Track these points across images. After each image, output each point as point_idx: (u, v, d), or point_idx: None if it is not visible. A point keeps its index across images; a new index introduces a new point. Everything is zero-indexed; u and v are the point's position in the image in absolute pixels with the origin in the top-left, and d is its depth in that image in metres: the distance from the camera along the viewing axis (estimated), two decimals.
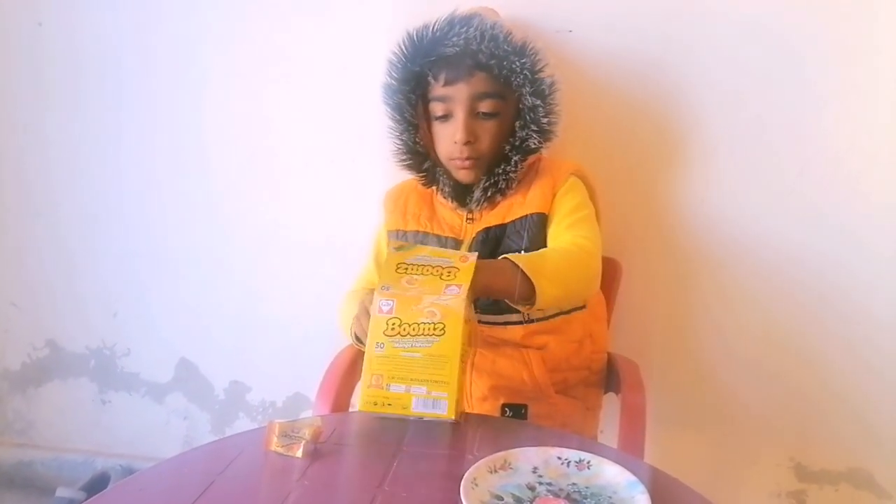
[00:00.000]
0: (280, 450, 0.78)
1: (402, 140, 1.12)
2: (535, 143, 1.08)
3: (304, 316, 1.52)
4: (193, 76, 1.47)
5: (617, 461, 0.74)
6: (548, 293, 0.92)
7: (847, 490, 1.42)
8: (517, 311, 1.03)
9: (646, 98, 1.32)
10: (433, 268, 0.86)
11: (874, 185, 1.29)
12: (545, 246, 1.06)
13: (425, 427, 0.85)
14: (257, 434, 0.85)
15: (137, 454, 1.66)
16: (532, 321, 1.06)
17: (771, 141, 1.30)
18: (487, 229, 1.09)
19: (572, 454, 0.76)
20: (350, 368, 1.10)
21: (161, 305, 1.60)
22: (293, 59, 1.42)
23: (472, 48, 1.04)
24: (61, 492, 1.52)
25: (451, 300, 0.82)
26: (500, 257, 0.95)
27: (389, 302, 0.83)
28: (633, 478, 0.71)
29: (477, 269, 0.86)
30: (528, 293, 0.91)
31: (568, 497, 0.69)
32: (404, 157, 1.13)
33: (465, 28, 1.04)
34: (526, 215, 1.08)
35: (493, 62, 1.04)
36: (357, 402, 0.85)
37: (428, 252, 0.88)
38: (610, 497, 0.69)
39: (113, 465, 1.68)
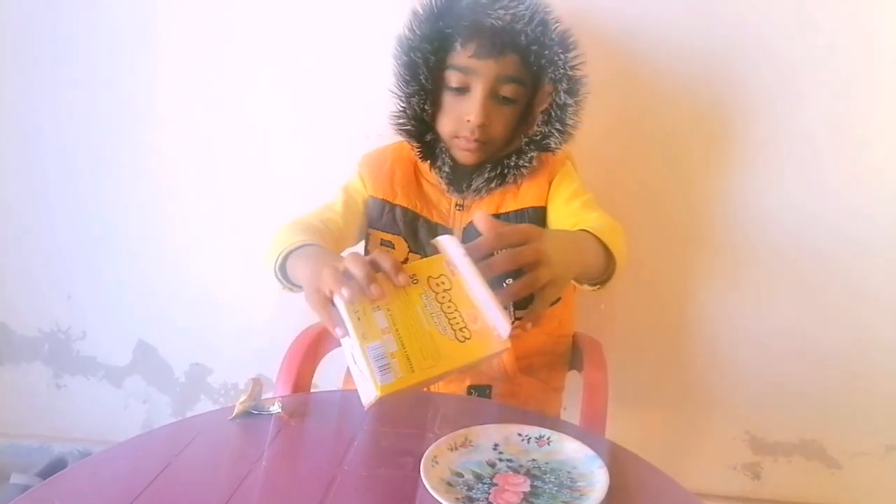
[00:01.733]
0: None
1: (408, 104, 1.00)
2: (554, 143, 0.99)
3: (265, 296, 1.49)
4: (145, 49, 1.41)
5: (577, 437, 0.75)
6: (621, 269, 0.85)
7: (800, 461, 1.47)
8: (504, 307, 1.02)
9: (681, 91, 1.31)
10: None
11: None
12: None
13: (386, 406, 0.84)
14: (215, 416, 0.83)
15: (96, 439, 1.62)
16: (518, 318, 1.05)
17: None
18: None
19: (532, 431, 0.76)
20: (311, 349, 1.09)
21: (117, 287, 1.56)
22: (256, 35, 1.38)
23: (516, 26, 0.95)
24: (16, 478, 1.48)
25: (499, 336, 0.65)
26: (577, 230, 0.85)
27: (460, 265, 0.67)
28: (591, 453, 0.72)
29: (554, 242, 0.73)
30: (605, 270, 0.84)
31: (528, 473, 0.70)
32: (405, 122, 1.01)
33: (515, 2, 0.95)
34: (522, 209, 1.02)
35: (534, 48, 0.96)
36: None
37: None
38: (569, 472, 0.70)
39: (70, 451, 1.64)
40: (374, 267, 0.67)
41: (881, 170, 1.32)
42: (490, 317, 0.65)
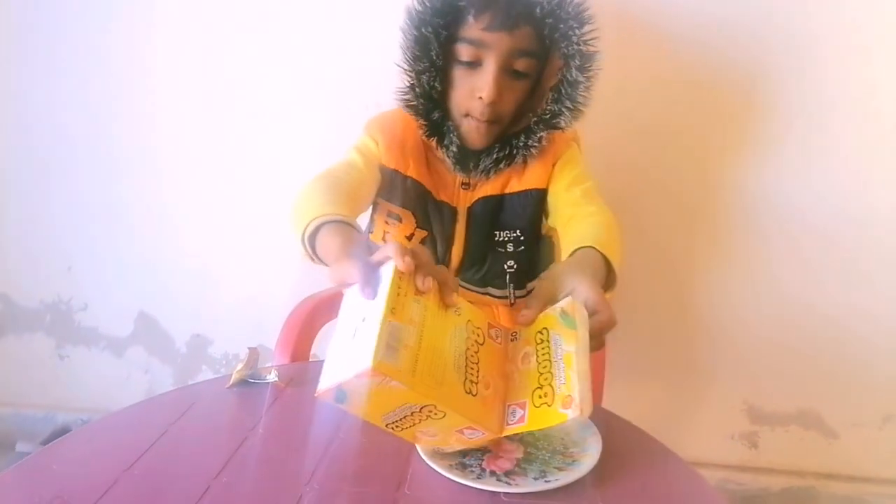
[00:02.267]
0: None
1: (417, 80, 0.95)
2: (564, 122, 0.95)
3: (265, 267, 1.50)
4: (145, 22, 1.39)
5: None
6: (618, 276, 0.83)
7: (797, 430, 1.48)
8: (503, 288, 1.02)
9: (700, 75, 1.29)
10: (549, 367, 0.63)
11: None
12: (541, 222, 1.02)
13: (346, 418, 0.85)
14: (212, 384, 0.84)
15: (99, 408, 1.64)
16: (519, 298, 1.04)
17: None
18: (486, 199, 1.00)
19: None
20: (309, 318, 1.09)
21: (117, 259, 1.56)
22: (253, 6, 1.36)
23: None
24: (21, 446, 1.51)
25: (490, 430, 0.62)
26: (578, 247, 0.83)
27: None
28: (585, 420, 0.72)
29: (583, 269, 0.74)
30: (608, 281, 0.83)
31: (521, 440, 0.70)
32: (412, 98, 0.96)
33: None
34: (526, 190, 1.00)
35: (549, 20, 0.91)
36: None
37: (566, 354, 0.63)
38: (562, 439, 0.71)
39: (74, 420, 1.66)
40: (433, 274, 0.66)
41: (883, 150, 1.30)
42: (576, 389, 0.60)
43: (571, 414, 0.58)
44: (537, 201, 1.00)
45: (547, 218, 1.04)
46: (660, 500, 0.63)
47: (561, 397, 0.60)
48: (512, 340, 0.70)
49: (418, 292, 0.63)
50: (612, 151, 1.31)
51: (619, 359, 1.29)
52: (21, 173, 1.54)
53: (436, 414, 0.60)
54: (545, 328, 0.66)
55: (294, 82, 1.38)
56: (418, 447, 0.67)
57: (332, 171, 0.96)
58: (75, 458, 0.68)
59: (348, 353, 0.59)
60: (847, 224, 1.35)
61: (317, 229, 0.78)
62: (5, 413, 1.69)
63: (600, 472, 0.65)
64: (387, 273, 0.62)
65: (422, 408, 0.59)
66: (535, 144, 0.96)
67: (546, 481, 0.62)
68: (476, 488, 0.62)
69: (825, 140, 1.31)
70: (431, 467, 0.64)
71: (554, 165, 1.01)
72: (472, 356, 0.65)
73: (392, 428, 0.62)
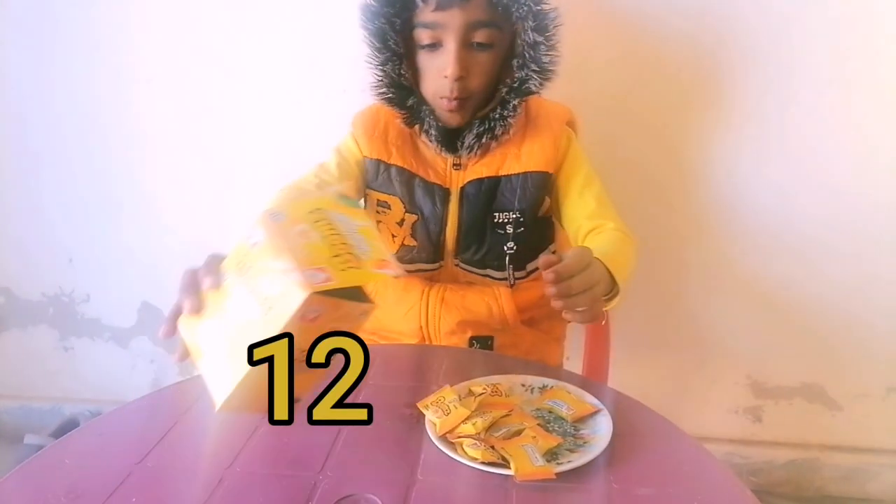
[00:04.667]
0: None
1: (384, 72, 0.97)
2: (535, 86, 0.95)
3: None
4: (137, 12, 1.38)
5: (580, 386, 0.75)
6: (621, 292, 0.85)
7: (801, 404, 1.49)
8: (502, 270, 1.02)
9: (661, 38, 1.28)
10: (340, 238, 0.60)
11: None
12: (541, 205, 1.02)
13: (390, 358, 0.85)
14: None
15: (106, 399, 1.65)
16: (519, 279, 1.04)
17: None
18: (480, 181, 1.00)
19: (536, 381, 0.77)
20: None
21: (118, 250, 1.56)
22: None
23: None
24: (29, 439, 1.51)
25: (295, 286, 0.55)
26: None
27: (260, 235, 0.61)
28: (595, 401, 0.72)
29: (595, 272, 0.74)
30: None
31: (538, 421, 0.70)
32: (386, 91, 0.98)
33: None
34: (524, 172, 1.00)
35: None
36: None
37: (361, 228, 0.62)
38: (573, 423, 0.71)
39: (82, 411, 1.67)
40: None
41: (882, 121, 1.29)
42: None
43: (391, 272, 0.59)
44: (537, 184, 1.00)
45: (557, 217, 1.05)
46: (671, 478, 0.63)
47: (371, 262, 0.59)
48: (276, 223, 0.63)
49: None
50: (604, 132, 1.30)
51: (623, 336, 1.29)
52: (19, 165, 1.53)
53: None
54: (318, 209, 0.63)
55: (276, 69, 1.37)
56: (429, 431, 0.67)
57: (300, 182, 1.00)
58: (87, 451, 0.68)
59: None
60: (848, 197, 1.34)
61: None
62: (12, 406, 1.70)
63: (611, 453, 0.65)
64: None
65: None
66: (512, 113, 0.96)
67: (558, 463, 0.62)
68: (488, 472, 0.62)
69: (818, 117, 1.30)
70: (444, 452, 0.64)
71: (555, 150, 1.01)
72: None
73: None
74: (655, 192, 1.37)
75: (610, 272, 0.81)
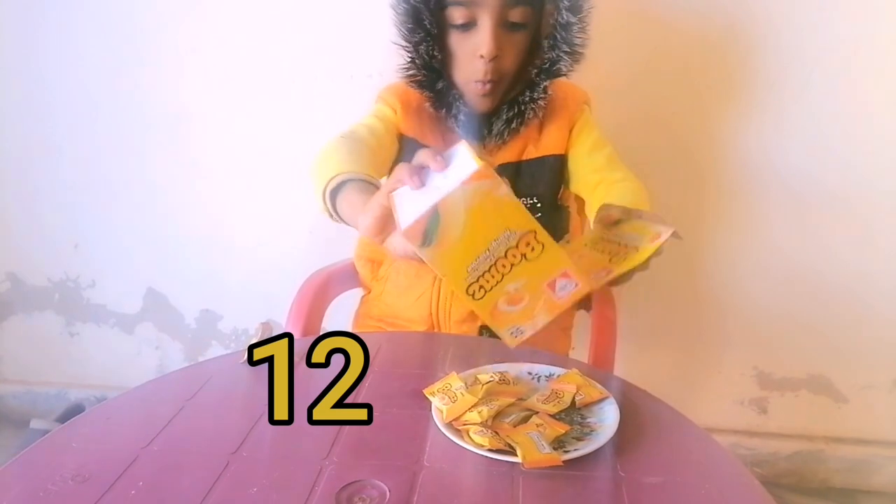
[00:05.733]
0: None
1: (416, 52, 0.94)
2: (565, 67, 0.93)
3: (273, 241, 1.49)
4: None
5: (587, 375, 0.75)
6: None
7: (806, 395, 1.49)
8: None
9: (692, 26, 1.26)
10: (617, 246, 0.62)
11: None
12: (559, 191, 1.00)
13: (398, 346, 0.84)
14: (226, 360, 0.84)
15: (111, 385, 1.65)
16: None
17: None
18: (503, 167, 0.99)
19: (542, 369, 0.77)
20: (321, 291, 1.09)
21: (124, 235, 1.56)
22: None
23: None
24: (35, 423, 1.52)
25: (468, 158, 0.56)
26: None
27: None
28: (602, 389, 0.72)
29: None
30: None
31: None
32: (416, 73, 0.96)
33: None
34: (543, 156, 0.99)
35: None
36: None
37: (634, 227, 0.64)
38: (580, 409, 0.70)
39: (87, 396, 1.67)
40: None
41: (891, 108, 1.28)
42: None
43: (664, 235, 0.61)
44: (555, 168, 0.99)
45: (567, 185, 1.02)
46: (678, 467, 0.63)
47: (649, 236, 0.61)
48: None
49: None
50: (620, 113, 1.28)
51: (631, 327, 1.29)
52: (24, 151, 1.52)
53: (533, 250, 0.56)
54: (599, 239, 0.67)
55: (299, 50, 1.36)
56: (435, 418, 0.67)
57: (355, 130, 0.96)
58: (94, 435, 0.68)
59: (436, 188, 0.56)
60: (854, 189, 1.33)
61: (339, 186, 0.77)
62: (18, 391, 1.70)
63: (618, 441, 0.64)
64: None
65: (521, 238, 0.55)
66: (542, 96, 0.95)
67: (565, 451, 0.62)
68: (495, 459, 0.62)
69: (832, 103, 1.29)
70: (450, 439, 0.64)
71: (570, 131, 0.99)
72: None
73: (475, 289, 0.57)
74: (663, 182, 1.36)
75: None
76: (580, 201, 1.09)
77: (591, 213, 0.93)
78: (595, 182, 0.95)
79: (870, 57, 1.25)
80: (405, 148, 1.00)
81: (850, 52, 1.25)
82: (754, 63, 1.28)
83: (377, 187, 0.76)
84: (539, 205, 0.99)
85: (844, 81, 1.27)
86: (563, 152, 0.99)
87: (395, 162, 1.01)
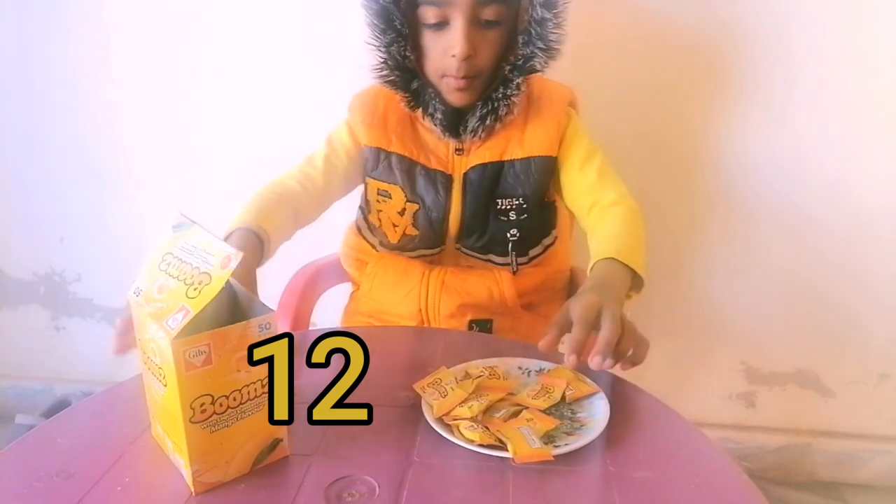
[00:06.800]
0: None
1: (388, 53, 0.93)
2: (540, 64, 0.92)
3: None
4: None
5: (577, 369, 0.75)
6: (645, 277, 0.87)
7: (794, 390, 1.50)
8: (504, 256, 1.01)
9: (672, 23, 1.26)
10: (189, 266, 0.59)
11: None
12: (546, 191, 1.00)
13: (388, 341, 0.84)
14: None
15: (97, 379, 1.63)
16: (522, 265, 1.02)
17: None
18: (483, 166, 0.98)
19: (532, 363, 0.77)
20: (309, 286, 1.08)
21: (109, 229, 1.54)
22: None
23: None
24: (21, 419, 1.50)
25: (164, 339, 0.54)
26: (598, 259, 0.85)
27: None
28: (592, 384, 0.72)
29: (601, 291, 0.76)
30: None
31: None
32: (388, 73, 0.95)
33: None
34: (529, 157, 0.97)
35: None
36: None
37: (198, 240, 0.62)
38: (569, 404, 0.70)
39: (73, 391, 1.66)
40: None
41: (881, 106, 1.29)
42: None
43: (234, 264, 0.56)
44: (542, 169, 0.98)
45: (561, 196, 1.03)
46: (668, 461, 0.63)
47: (217, 266, 0.58)
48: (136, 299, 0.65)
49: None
50: (607, 111, 1.28)
51: None
52: (9, 143, 1.50)
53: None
54: (166, 253, 0.66)
55: (288, 43, 1.35)
56: (426, 413, 0.67)
57: (284, 178, 1.01)
58: (79, 431, 0.68)
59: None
60: (841, 187, 1.34)
61: (229, 235, 0.88)
62: (3, 385, 1.69)
63: (608, 436, 0.64)
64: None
65: None
66: (515, 92, 0.94)
67: (556, 446, 0.62)
68: (485, 454, 0.61)
69: (820, 102, 1.29)
70: (440, 434, 0.64)
71: (559, 132, 0.99)
72: None
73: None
74: (651, 178, 1.36)
75: (628, 265, 0.83)
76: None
77: (589, 241, 0.93)
78: (588, 205, 0.96)
79: (858, 59, 1.25)
80: (370, 158, 1.01)
81: (839, 53, 1.25)
82: (741, 64, 1.28)
83: (262, 240, 0.88)
84: (525, 205, 0.99)
85: (832, 83, 1.27)
86: (551, 154, 0.98)
87: (363, 174, 1.03)
